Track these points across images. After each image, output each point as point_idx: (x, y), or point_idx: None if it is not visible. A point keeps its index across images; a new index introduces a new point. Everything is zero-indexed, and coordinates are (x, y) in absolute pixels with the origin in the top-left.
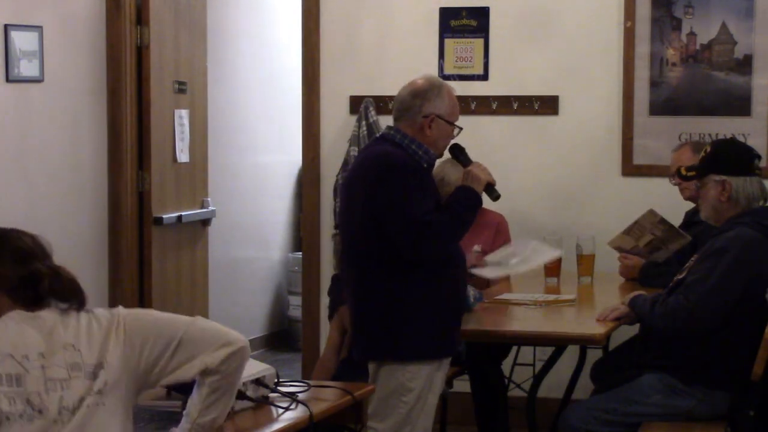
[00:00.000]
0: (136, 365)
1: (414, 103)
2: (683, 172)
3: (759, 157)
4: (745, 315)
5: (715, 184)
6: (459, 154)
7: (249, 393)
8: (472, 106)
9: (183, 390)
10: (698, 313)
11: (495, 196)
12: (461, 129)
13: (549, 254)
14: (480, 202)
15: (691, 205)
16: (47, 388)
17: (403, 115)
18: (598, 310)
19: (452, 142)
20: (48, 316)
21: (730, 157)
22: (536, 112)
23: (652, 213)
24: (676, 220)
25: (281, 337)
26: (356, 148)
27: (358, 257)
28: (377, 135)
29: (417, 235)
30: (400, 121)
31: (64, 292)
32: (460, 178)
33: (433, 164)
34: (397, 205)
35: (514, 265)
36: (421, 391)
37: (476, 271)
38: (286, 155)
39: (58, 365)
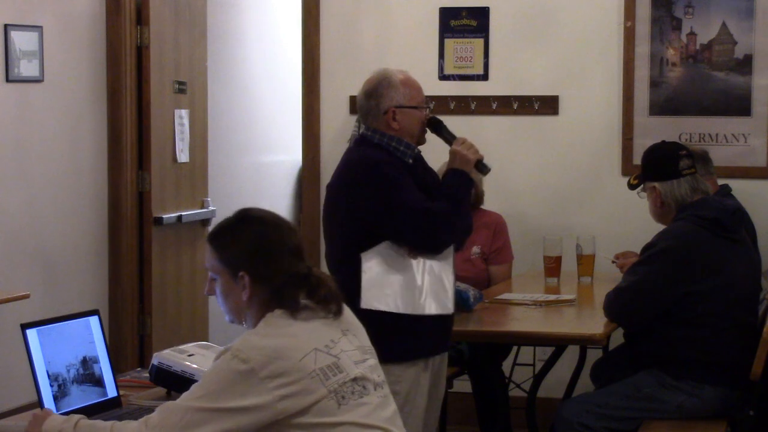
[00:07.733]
0: None
1: (370, 104)
2: (632, 181)
3: (689, 156)
4: (720, 309)
5: (650, 192)
6: (439, 129)
7: None
8: (472, 106)
9: (182, 389)
10: (637, 292)
11: (486, 171)
12: (429, 107)
13: None
14: (472, 182)
15: None
16: (360, 368)
17: (368, 118)
18: (598, 310)
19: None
20: (313, 315)
21: (655, 163)
22: (536, 112)
23: None
24: None
25: None
26: None
27: (338, 262)
28: (356, 137)
29: (424, 223)
30: (368, 123)
31: (333, 300)
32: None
33: (418, 158)
34: (394, 200)
35: None
36: (408, 393)
37: None
38: (286, 155)
39: (349, 349)
